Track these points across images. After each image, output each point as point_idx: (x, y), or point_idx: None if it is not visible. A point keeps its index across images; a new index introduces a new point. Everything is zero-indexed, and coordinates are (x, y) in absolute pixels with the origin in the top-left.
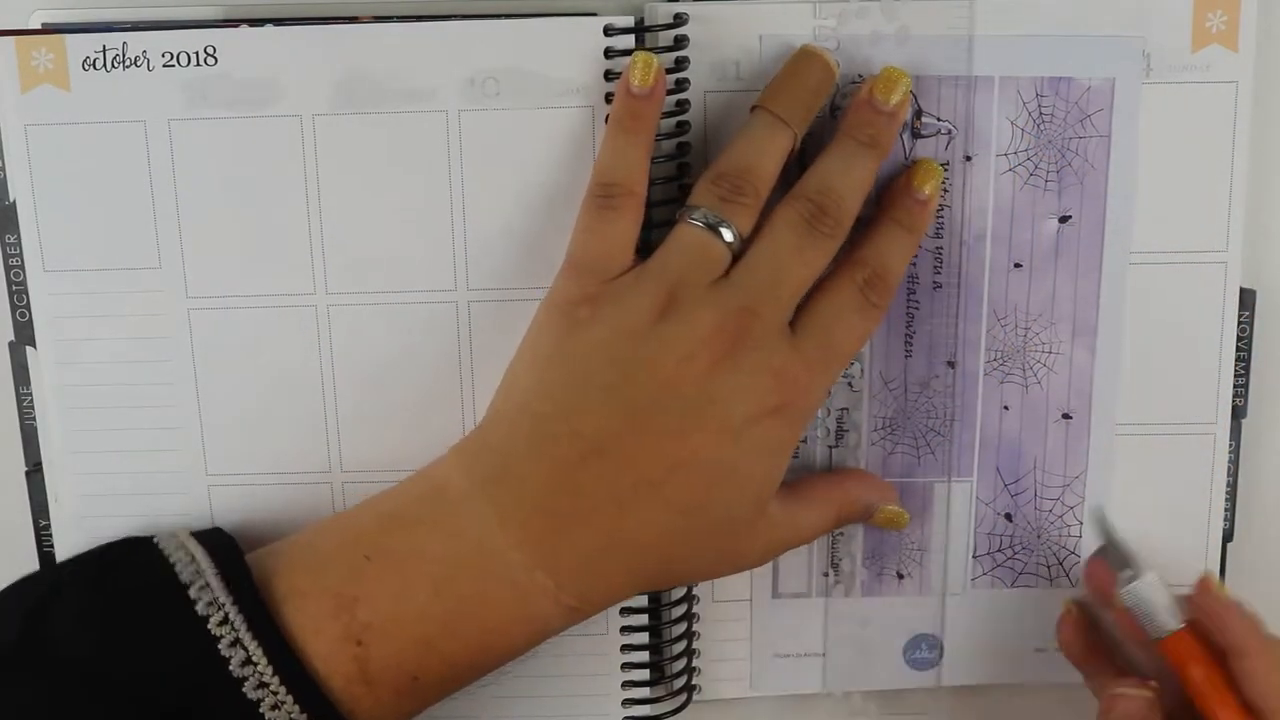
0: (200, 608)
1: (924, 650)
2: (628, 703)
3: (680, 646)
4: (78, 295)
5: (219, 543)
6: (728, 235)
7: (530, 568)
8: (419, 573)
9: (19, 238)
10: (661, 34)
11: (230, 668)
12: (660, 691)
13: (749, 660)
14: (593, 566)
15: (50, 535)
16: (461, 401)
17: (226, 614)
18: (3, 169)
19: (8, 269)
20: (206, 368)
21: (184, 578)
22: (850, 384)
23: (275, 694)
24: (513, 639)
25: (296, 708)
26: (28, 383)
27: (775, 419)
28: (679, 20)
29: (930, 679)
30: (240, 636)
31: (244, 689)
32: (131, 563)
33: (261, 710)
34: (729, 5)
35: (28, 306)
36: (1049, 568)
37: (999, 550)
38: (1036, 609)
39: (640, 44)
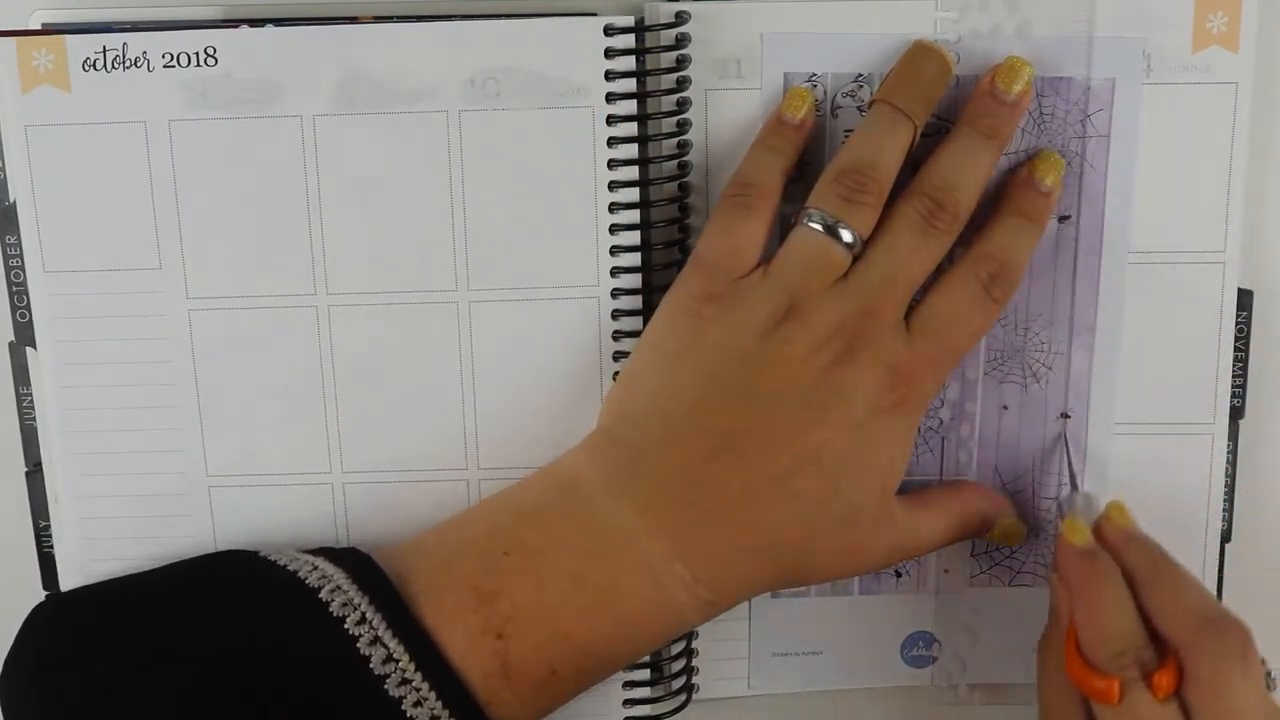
0: (335, 609)
1: (921, 648)
2: (628, 703)
3: (679, 646)
4: (78, 295)
5: (337, 552)
6: (847, 237)
7: (668, 558)
8: (557, 566)
9: (19, 238)
10: (662, 33)
11: (371, 665)
12: (660, 691)
13: (747, 659)
14: (728, 559)
15: (50, 535)
16: (462, 401)
17: (364, 614)
18: (3, 169)
19: (8, 269)
20: (206, 368)
21: (311, 582)
22: None
23: (418, 690)
24: (650, 631)
25: (439, 704)
26: (28, 383)
27: (893, 411)
28: (679, 19)
29: (927, 677)
30: (380, 635)
31: (385, 686)
32: (249, 570)
33: (404, 708)
34: (729, 4)
35: (28, 307)
36: (1047, 566)
37: (997, 549)
38: (1034, 607)
39: (641, 43)
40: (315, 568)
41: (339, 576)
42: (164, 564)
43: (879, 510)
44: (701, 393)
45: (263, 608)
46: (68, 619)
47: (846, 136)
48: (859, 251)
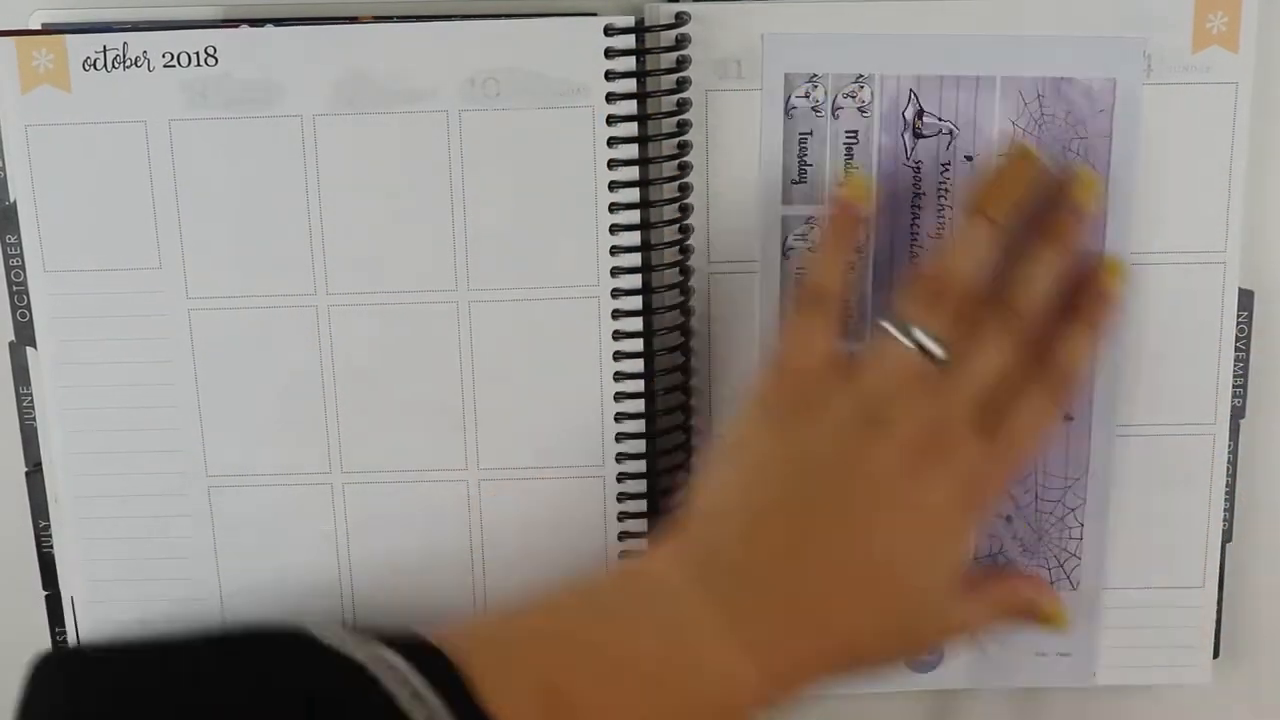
0: (403, 702)
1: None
2: None
3: None
4: (78, 295)
5: (396, 636)
6: (930, 346)
7: (743, 661)
8: (630, 667)
9: (19, 238)
10: (663, 34)
11: None
12: None
13: None
14: (801, 659)
15: (50, 535)
16: (462, 401)
17: (431, 709)
18: (3, 169)
19: (8, 269)
20: (206, 368)
21: (372, 671)
22: None
23: None
24: None
25: None
26: (28, 383)
27: (965, 516)
28: (680, 20)
29: (930, 681)
30: None
31: None
32: (304, 652)
33: None
34: (730, 5)
35: (28, 307)
36: (1049, 570)
37: (999, 552)
38: None
39: (641, 44)
40: (373, 653)
41: (400, 664)
42: (181, 621)
43: (942, 603)
44: (781, 495)
45: (320, 689)
46: (91, 678)
47: (847, 138)
48: (941, 360)
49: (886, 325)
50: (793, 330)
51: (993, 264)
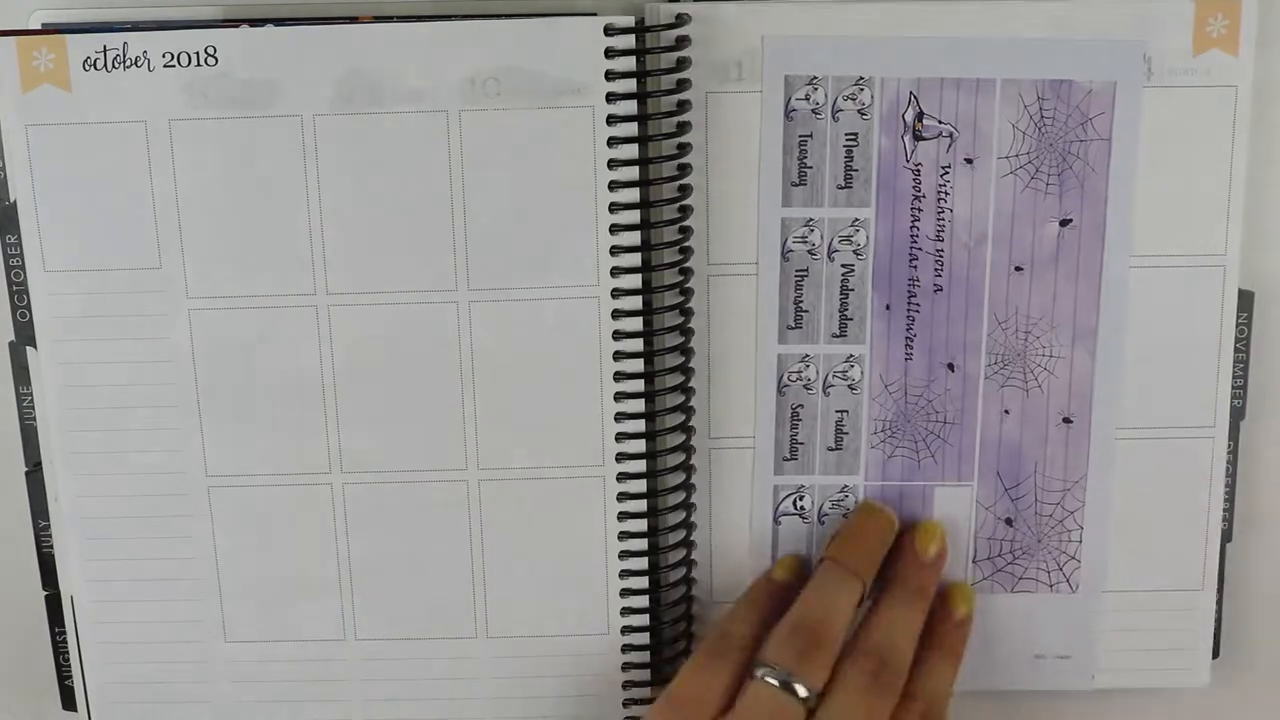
0: None
1: None
2: (628, 703)
3: (679, 646)
4: (78, 295)
5: None
6: (802, 692)
7: None
8: None
9: (19, 238)
10: (663, 34)
11: None
12: (660, 691)
13: None
14: None
15: (50, 535)
16: (462, 401)
17: None
18: (3, 169)
19: (8, 269)
20: (206, 368)
21: None
22: (850, 387)
23: None
24: None
25: None
26: (28, 383)
27: None
28: (680, 20)
29: None
30: None
31: None
32: None
33: None
34: (730, 5)
35: (28, 306)
36: (1049, 573)
37: (999, 555)
38: (1037, 614)
39: (641, 44)
40: None
41: None
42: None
43: None
44: None
45: None
46: None
47: (847, 141)
48: (814, 703)
49: (755, 669)
50: (691, 667)
51: (857, 611)
